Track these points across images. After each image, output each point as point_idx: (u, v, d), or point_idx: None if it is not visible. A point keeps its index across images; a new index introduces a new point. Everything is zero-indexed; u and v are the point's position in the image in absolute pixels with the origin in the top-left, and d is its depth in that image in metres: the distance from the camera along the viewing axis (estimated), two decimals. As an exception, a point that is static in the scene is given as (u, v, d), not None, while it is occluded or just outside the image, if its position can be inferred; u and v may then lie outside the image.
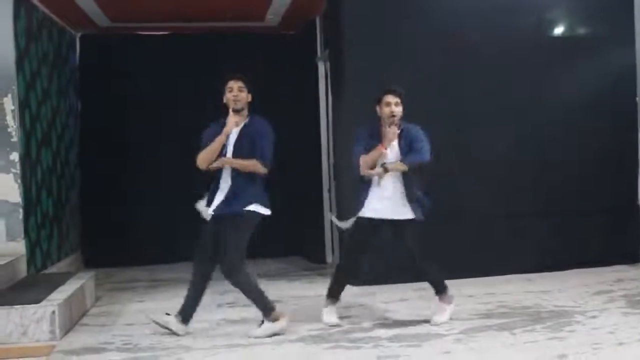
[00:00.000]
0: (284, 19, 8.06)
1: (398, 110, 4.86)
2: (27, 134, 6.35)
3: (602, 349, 4.21)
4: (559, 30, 7.00)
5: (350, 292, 6.16)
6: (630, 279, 6.33)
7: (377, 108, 4.93)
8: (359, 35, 6.46)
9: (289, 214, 8.18)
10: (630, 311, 5.10)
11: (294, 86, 8.12)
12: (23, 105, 6.25)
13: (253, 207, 4.67)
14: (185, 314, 4.81)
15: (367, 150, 4.85)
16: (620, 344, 4.29)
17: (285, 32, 8.50)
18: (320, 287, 6.54)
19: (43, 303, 4.81)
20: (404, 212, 4.86)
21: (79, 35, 8.31)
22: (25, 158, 6.24)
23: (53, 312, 4.71)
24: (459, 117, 6.54)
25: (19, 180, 6.09)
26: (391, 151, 4.85)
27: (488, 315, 5.15)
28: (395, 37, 6.47)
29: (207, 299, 6.09)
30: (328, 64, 7.43)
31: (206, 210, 4.76)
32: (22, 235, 6.09)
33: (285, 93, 8.14)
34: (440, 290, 5.03)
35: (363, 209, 4.90)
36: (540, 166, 6.79)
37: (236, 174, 4.67)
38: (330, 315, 5.02)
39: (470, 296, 5.80)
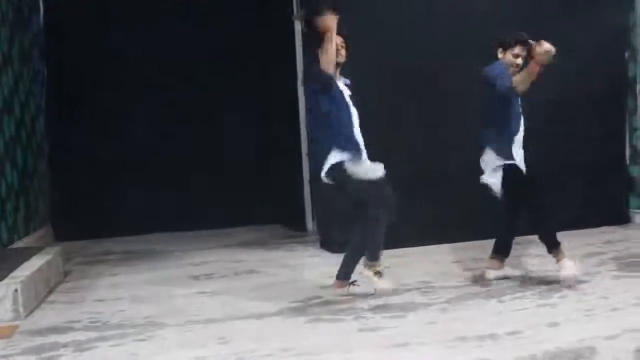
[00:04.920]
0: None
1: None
2: (-14, 102, 6.00)
3: (595, 315, 4.01)
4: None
5: (330, 262, 5.92)
6: (619, 240, 6.15)
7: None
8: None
9: (267, 181, 7.93)
10: (622, 274, 4.91)
11: (270, 46, 7.78)
12: (-20, 71, 5.89)
13: None
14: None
15: None
16: (614, 309, 4.10)
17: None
18: (300, 256, 6.34)
19: (5, 281, 4.51)
20: None
21: (41, -5, 7.89)
22: (-16, 127, 5.90)
23: (15, 290, 4.42)
24: (443, 77, 6.24)
25: (-21, 151, 5.75)
26: None
27: (475, 282, 4.94)
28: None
29: (181, 271, 5.89)
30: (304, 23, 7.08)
31: None
32: (-15, 209, 5.78)
33: (260, 53, 7.83)
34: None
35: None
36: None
37: None
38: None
39: (456, 262, 5.60)
